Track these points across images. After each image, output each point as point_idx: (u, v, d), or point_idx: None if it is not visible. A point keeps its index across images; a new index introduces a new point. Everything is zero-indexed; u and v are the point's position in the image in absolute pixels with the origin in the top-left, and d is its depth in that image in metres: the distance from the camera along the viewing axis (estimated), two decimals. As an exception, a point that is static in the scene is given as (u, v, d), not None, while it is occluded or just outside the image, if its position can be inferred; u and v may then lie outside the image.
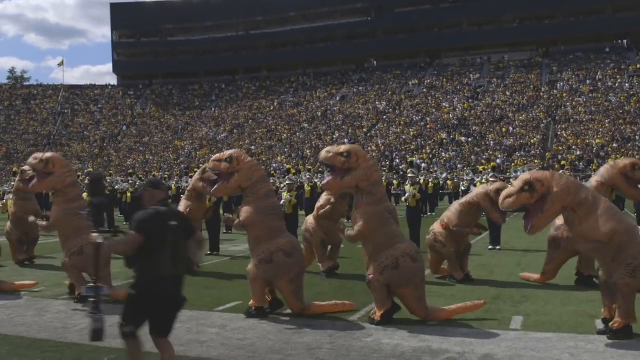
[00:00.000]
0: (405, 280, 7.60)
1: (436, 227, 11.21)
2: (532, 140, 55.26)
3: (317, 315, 8.07)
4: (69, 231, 9.62)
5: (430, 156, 55.65)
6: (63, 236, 9.77)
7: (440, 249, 10.93)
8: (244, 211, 8.38)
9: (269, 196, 8.54)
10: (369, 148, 58.47)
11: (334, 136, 65.32)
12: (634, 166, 9.92)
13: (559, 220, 8.57)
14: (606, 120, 54.80)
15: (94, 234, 5.26)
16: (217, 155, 8.83)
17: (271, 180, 22.80)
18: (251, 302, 8.27)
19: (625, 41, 71.76)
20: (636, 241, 6.69)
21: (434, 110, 66.44)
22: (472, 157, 54.03)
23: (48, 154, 9.93)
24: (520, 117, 60.01)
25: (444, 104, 67.41)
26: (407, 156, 53.84)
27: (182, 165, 63.14)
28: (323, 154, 8.18)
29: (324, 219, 11.72)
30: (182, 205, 12.77)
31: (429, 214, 27.23)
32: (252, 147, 66.75)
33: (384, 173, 36.28)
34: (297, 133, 68.77)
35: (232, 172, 8.39)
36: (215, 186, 8.83)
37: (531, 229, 6.92)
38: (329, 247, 12.01)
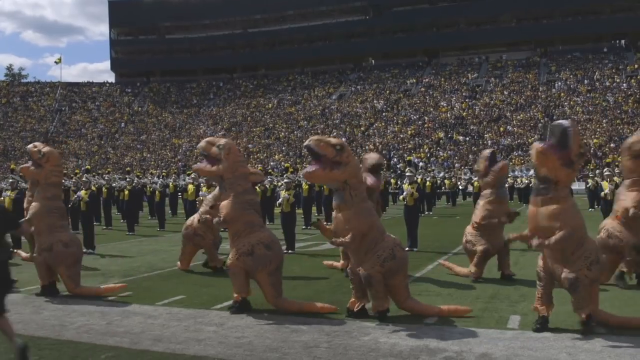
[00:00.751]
0: (401, 269, 7.80)
1: (467, 228, 11.18)
2: (529, 140, 55.29)
3: (315, 314, 8.06)
4: (42, 228, 9.77)
5: (428, 155, 55.73)
6: (37, 232, 9.88)
7: (471, 249, 10.87)
8: (224, 207, 8.42)
9: (248, 192, 8.61)
10: (367, 147, 58.50)
11: (332, 135, 65.32)
12: None
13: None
14: (604, 121, 54.90)
15: None
16: (212, 138, 8.90)
17: (269, 179, 22.83)
18: (235, 296, 8.34)
19: (623, 42, 71.93)
20: (589, 239, 7.23)
21: (432, 109, 66.50)
22: (470, 156, 54.06)
23: None
24: (518, 117, 60.10)
25: (442, 103, 67.46)
26: (405, 155, 53.95)
27: (180, 164, 63.15)
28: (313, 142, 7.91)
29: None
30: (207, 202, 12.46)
31: (426, 213, 27.23)
32: (250, 145, 66.78)
33: (381, 172, 36.26)
34: (295, 132, 68.78)
35: (219, 160, 8.46)
36: (199, 165, 8.89)
37: None
38: None
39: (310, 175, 7.97)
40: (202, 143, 8.85)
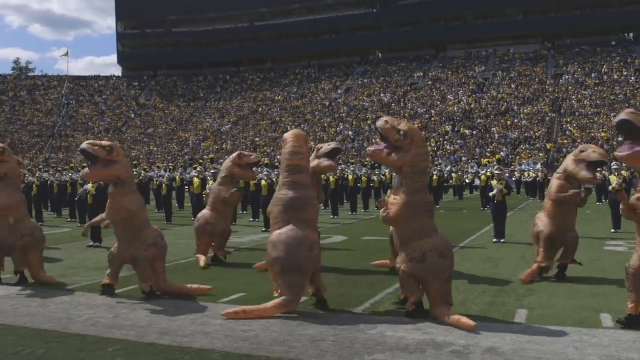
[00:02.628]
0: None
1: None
2: (537, 134, 55.15)
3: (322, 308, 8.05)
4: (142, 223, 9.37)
5: (435, 149, 55.60)
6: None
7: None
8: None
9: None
10: (374, 140, 58.38)
11: (339, 128, 65.30)
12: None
13: None
14: (611, 114, 54.57)
15: None
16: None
17: (275, 172, 22.86)
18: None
19: (631, 35, 71.52)
20: None
21: (438, 103, 66.36)
22: (477, 150, 53.95)
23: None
24: (525, 110, 59.89)
25: (448, 96, 67.31)
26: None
27: (187, 157, 63.22)
28: (380, 122, 7.74)
29: None
30: (214, 192, 12.84)
31: (433, 206, 27.16)
32: (257, 138, 66.79)
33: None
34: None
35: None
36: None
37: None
38: None
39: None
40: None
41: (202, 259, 12.21)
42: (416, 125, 55.30)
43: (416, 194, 7.59)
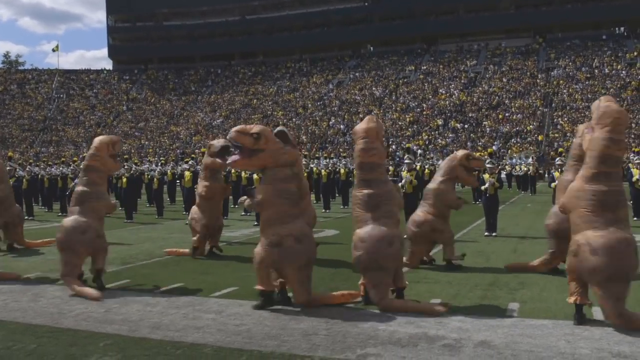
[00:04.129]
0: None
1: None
2: (528, 127, 55.27)
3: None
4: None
5: (427, 142, 55.66)
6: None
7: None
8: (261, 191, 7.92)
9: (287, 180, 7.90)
10: (366, 134, 58.24)
11: (330, 122, 65.25)
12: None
13: None
14: (602, 108, 54.75)
15: None
16: (242, 127, 7.97)
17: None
18: (258, 286, 7.83)
19: (622, 29, 71.72)
20: None
21: (430, 96, 66.42)
22: (469, 143, 54.02)
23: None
24: (516, 104, 60.02)
25: (440, 90, 67.37)
26: (404, 142, 53.86)
27: (178, 151, 63.05)
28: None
29: None
30: (200, 187, 12.74)
31: (425, 200, 27.17)
32: (248, 133, 66.60)
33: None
34: (294, 119, 68.69)
35: (257, 150, 7.73)
36: (234, 158, 7.93)
37: None
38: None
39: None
40: (233, 134, 7.81)
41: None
42: (408, 119, 55.38)
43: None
